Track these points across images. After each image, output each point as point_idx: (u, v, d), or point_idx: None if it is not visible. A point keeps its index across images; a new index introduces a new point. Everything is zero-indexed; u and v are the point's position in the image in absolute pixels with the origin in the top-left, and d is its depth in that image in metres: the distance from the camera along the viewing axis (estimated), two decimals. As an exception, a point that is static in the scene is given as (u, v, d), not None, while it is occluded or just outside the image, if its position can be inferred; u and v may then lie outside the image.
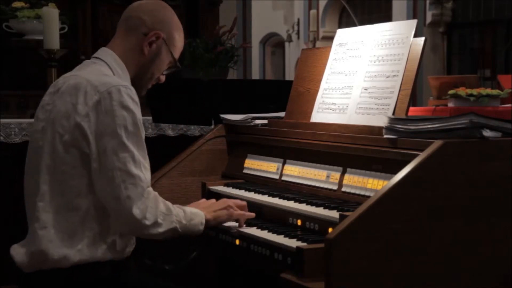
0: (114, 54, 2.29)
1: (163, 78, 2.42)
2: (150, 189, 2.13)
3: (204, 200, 2.48)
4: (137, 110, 2.14)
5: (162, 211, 2.13)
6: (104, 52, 2.31)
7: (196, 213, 2.25)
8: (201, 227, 2.24)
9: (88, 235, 2.12)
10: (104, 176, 2.08)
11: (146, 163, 2.14)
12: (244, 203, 2.40)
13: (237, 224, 2.34)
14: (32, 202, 2.17)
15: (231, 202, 2.36)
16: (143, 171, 2.11)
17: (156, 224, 2.10)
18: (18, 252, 2.17)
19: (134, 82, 2.31)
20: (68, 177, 2.12)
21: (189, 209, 2.25)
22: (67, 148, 2.11)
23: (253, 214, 2.37)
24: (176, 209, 2.19)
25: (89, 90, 2.12)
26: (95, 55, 2.33)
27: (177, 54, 2.39)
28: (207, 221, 2.26)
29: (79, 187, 2.12)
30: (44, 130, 2.18)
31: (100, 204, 2.13)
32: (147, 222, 2.08)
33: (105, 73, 2.23)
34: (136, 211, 2.06)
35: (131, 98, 2.13)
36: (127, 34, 2.32)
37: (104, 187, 2.08)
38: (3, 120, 3.83)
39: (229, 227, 2.34)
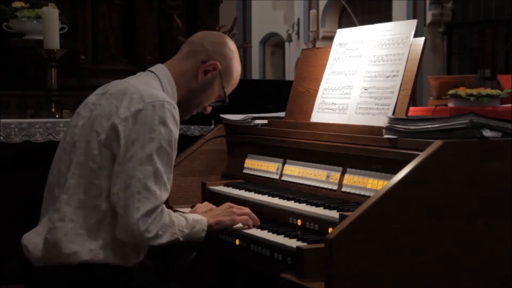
0: (168, 72, 2.34)
1: (209, 109, 2.47)
2: (163, 208, 2.13)
3: (206, 203, 2.48)
4: (175, 129, 2.15)
5: (165, 223, 2.13)
6: (159, 68, 2.36)
7: (199, 220, 2.25)
8: (203, 234, 2.24)
9: (103, 237, 2.13)
10: (122, 181, 2.09)
11: (168, 184, 2.14)
12: (248, 210, 2.37)
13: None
14: (54, 193, 2.19)
15: (235, 208, 2.36)
16: (162, 189, 2.11)
17: (157, 236, 2.10)
18: (31, 241, 2.18)
19: (181, 105, 2.33)
20: (94, 176, 2.13)
21: (192, 216, 2.25)
22: (100, 147, 2.13)
23: (257, 220, 2.35)
24: (179, 219, 2.19)
25: (135, 97, 2.15)
26: (150, 68, 2.38)
27: (228, 90, 2.44)
28: (209, 226, 2.26)
29: (102, 188, 2.13)
30: (83, 126, 2.20)
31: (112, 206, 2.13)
32: (149, 235, 2.09)
33: (155, 86, 2.26)
34: (140, 223, 2.06)
35: (173, 116, 2.15)
36: (187, 58, 2.38)
37: (119, 191, 2.09)
38: (3, 120, 3.82)
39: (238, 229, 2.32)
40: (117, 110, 2.14)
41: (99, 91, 2.30)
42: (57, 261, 2.12)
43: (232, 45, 2.44)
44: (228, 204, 2.39)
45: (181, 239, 2.18)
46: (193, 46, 2.40)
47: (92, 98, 2.29)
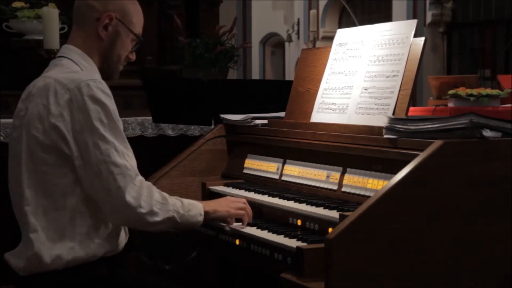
0: (76, 49, 2.27)
1: (133, 56, 2.38)
2: (141, 177, 2.12)
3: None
4: (109, 101, 2.12)
5: (158, 200, 2.11)
6: (66, 49, 2.29)
7: (194, 204, 2.23)
8: (200, 218, 2.22)
9: (79, 231, 2.12)
10: (90, 171, 2.07)
11: (129, 152, 2.13)
12: (243, 205, 2.37)
13: (238, 223, 2.33)
14: (19, 208, 2.17)
15: (231, 202, 2.35)
16: (128, 160, 2.10)
17: (152, 212, 2.08)
18: (12, 257, 2.18)
19: (103, 69, 2.30)
20: (51, 178, 2.11)
21: (187, 200, 2.24)
22: (45, 149, 2.10)
23: (250, 215, 2.36)
24: (173, 199, 2.17)
25: (59, 89, 2.12)
26: (59, 54, 2.31)
27: (137, 28, 2.35)
28: (206, 213, 2.24)
29: (64, 186, 2.11)
30: (20, 136, 2.17)
31: (87, 200, 2.12)
32: (143, 210, 2.07)
33: (72, 69, 2.22)
34: (129, 199, 2.05)
35: (102, 91, 2.12)
36: (82, 24, 2.30)
37: (93, 182, 2.08)
38: (3, 120, 3.83)
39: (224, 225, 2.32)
40: (47, 109, 2.11)
41: (23, 96, 2.26)
42: (43, 269, 2.11)
43: None
44: (226, 198, 2.39)
45: (178, 220, 2.15)
46: (79, 10, 2.31)
47: (19, 105, 2.25)
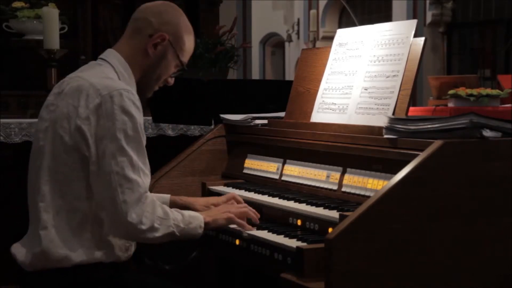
0: (119, 56, 2.27)
1: (171, 80, 2.38)
2: (148, 194, 2.11)
3: (207, 198, 2.47)
4: (138, 115, 2.12)
5: (159, 216, 2.10)
6: (110, 54, 2.29)
7: (195, 217, 2.23)
8: (200, 231, 2.22)
9: (88, 237, 2.12)
10: (101, 179, 2.07)
11: (146, 169, 2.12)
12: (246, 209, 2.36)
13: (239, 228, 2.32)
14: (33, 202, 2.17)
15: (233, 207, 2.35)
16: (142, 176, 2.09)
17: (152, 228, 2.08)
18: (19, 251, 2.17)
19: (140, 84, 2.30)
20: (68, 179, 2.11)
21: (188, 212, 2.23)
22: (68, 150, 2.11)
23: (255, 218, 2.35)
24: (174, 213, 2.16)
25: (91, 93, 2.11)
26: (101, 56, 2.31)
27: (185, 57, 2.35)
28: (206, 224, 2.24)
29: (78, 190, 2.11)
30: (46, 130, 2.18)
31: (100, 208, 2.12)
32: (143, 227, 2.07)
33: (109, 76, 2.21)
34: (132, 216, 2.05)
35: (133, 103, 2.11)
36: (134, 36, 2.30)
37: (101, 190, 2.08)
38: (3, 120, 3.83)
39: (238, 230, 2.31)
40: (76, 110, 2.10)
41: (55, 89, 2.25)
42: (49, 266, 2.11)
43: (175, 9, 2.34)
44: (229, 196, 2.37)
45: (178, 234, 2.15)
46: (136, 22, 2.31)
47: (50, 98, 2.24)
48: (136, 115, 2.11)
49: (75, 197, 2.11)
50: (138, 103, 2.14)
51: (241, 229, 2.29)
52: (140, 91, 2.29)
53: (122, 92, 2.11)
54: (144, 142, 2.14)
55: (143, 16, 2.30)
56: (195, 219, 2.22)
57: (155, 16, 2.29)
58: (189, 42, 2.35)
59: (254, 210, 2.36)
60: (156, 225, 2.09)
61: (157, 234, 2.10)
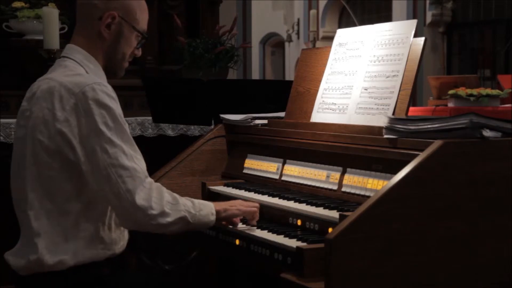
0: (79, 49, 2.24)
1: (138, 52, 2.35)
2: (150, 179, 2.10)
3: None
4: (115, 105, 2.10)
5: (169, 201, 2.10)
6: (70, 49, 2.26)
7: (205, 204, 2.22)
8: (212, 218, 2.21)
9: (82, 236, 2.11)
10: (99, 176, 2.06)
11: (137, 154, 2.11)
12: (255, 210, 2.34)
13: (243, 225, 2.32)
14: (22, 210, 2.16)
15: (244, 204, 2.34)
16: (137, 162, 2.08)
17: (163, 213, 2.07)
18: (13, 259, 2.16)
19: (108, 67, 2.28)
20: (56, 182, 2.10)
21: (197, 200, 2.22)
22: (50, 154, 2.09)
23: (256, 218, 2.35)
24: (183, 200, 2.16)
25: (63, 94, 2.09)
26: (63, 54, 2.28)
27: (142, 25, 2.30)
28: (217, 212, 2.23)
29: (68, 191, 2.10)
30: (25, 137, 2.16)
31: (91, 205, 2.12)
32: (154, 212, 2.05)
33: (77, 72, 2.19)
34: (140, 202, 2.03)
35: (107, 94, 2.10)
36: (84, 24, 2.26)
37: (102, 186, 2.07)
38: (3, 120, 3.83)
39: (238, 230, 2.31)
40: (52, 114, 2.09)
41: (27, 94, 2.23)
42: (44, 271, 2.10)
43: None
44: (238, 201, 2.38)
45: (190, 220, 2.13)
46: (81, 9, 2.27)
47: (24, 104, 2.22)
48: (113, 106, 2.10)
49: (66, 199, 2.10)
50: (113, 93, 2.13)
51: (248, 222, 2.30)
52: (111, 74, 2.28)
53: (94, 86, 2.09)
54: (128, 130, 2.13)
55: (85, 1, 2.26)
56: (205, 206, 2.21)
57: None
58: (139, 7, 2.30)
59: (257, 214, 2.35)
60: (166, 209, 2.08)
61: (169, 219, 2.08)
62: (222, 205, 2.29)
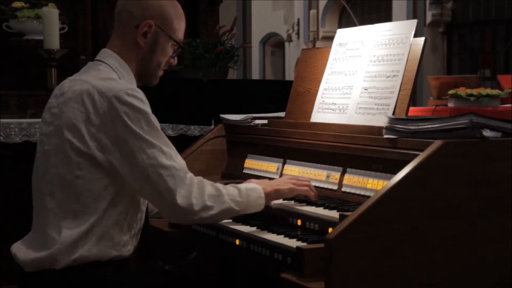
0: (114, 54, 2.26)
1: (174, 61, 2.36)
2: (191, 175, 2.12)
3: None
4: (147, 108, 2.13)
5: (211, 194, 2.11)
6: (105, 54, 2.28)
7: (252, 188, 2.21)
8: (261, 202, 2.21)
9: (99, 234, 2.11)
10: (139, 177, 2.08)
11: (173, 152, 2.13)
12: (308, 182, 2.32)
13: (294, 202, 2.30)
14: (45, 204, 2.15)
15: (294, 179, 2.32)
16: (176, 160, 2.10)
17: (205, 207, 2.09)
18: (21, 251, 2.16)
19: (142, 75, 2.30)
20: (84, 182, 2.10)
21: (244, 185, 2.22)
22: (81, 155, 2.09)
23: (316, 194, 2.31)
24: (228, 189, 2.16)
25: (97, 98, 2.10)
26: (97, 57, 2.30)
27: (178, 34, 2.31)
28: (267, 194, 2.23)
29: (96, 191, 2.10)
30: (52, 135, 2.16)
31: (114, 204, 2.12)
32: (195, 208, 2.07)
33: (110, 76, 2.21)
34: (180, 200, 2.06)
35: (139, 99, 2.11)
36: (121, 31, 2.28)
37: (143, 187, 2.08)
38: (3, 120, 3.83)
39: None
40: (85, 117, 2.09)
41: (56, 91, 2.23)
42: (51, 268, 2.09)
43: None
44: (287, 176, 2.36)
45: (237, 208, 2.15)
46: (120, 17, 2.28)
47: (51, 101, 2.23)
48: (145, 109, 2.12)
49: (94, 199, 2.10)
50: (144, 98, 2.14)
51: (307, 197, 2.29)
52: (145, 81, 2.31)
53: (128, 92, 2.11)
54: (160, 129, 2.14)
55: (123, 9, 2.27)
56: (253, 191, 2.21)
57: (134, 5, 2.25)
58: (176, 16, 2.30)
59: (314, 190, 2.32)
60: (209, 203, 2.10)
61: (213, 212, 2.11)
62: (271, 185, 2.27)
